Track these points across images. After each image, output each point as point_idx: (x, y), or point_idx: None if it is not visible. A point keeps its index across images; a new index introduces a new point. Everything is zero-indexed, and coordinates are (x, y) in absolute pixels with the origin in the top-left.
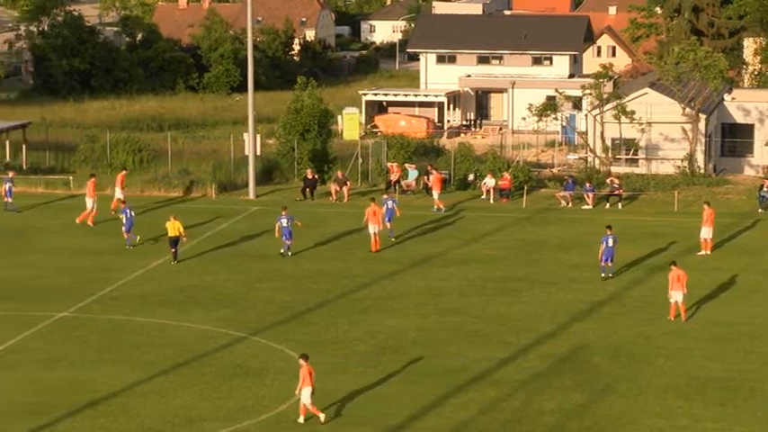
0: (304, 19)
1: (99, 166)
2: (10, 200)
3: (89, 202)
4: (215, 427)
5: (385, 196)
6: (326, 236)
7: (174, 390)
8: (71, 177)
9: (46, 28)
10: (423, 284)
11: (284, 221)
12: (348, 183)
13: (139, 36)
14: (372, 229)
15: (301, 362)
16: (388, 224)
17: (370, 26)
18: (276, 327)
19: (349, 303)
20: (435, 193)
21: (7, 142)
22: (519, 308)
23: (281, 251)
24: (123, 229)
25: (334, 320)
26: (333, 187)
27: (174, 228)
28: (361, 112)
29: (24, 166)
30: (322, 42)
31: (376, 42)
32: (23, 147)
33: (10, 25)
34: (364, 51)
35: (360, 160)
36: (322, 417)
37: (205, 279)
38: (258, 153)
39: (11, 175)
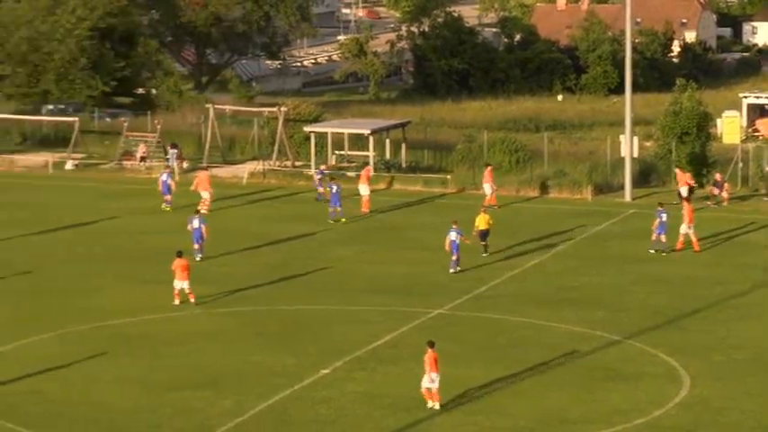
0: (684, 20)
1: (476, 165)
2: (321, 189)
3: None
4: (587, 429)
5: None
6: (701, 241)
7: (547, 390)
8: (448, 176)
9: (426, 29)
10: None
11: (453, 235)
12: (727, 186)
13: (517, 37)
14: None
15: (427, 348)
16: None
17: (752, 27)
18: (651, 331)
19: (725, 310)
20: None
21: (387, 141)
22: None
23: (452, 270)
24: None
25: (710, 327)
26: (711, 191)
27: (483, 220)
28: (741, 115)
29: (404, 165)
30: (703, 44)
31: (758, 44)
32: (403, 145)
33: (392, 26)
34: (746, 53)
35: (740, 165)
36: (437, 405)
37: (579, 280)
38: (635, 155)
39: (323, 168)
